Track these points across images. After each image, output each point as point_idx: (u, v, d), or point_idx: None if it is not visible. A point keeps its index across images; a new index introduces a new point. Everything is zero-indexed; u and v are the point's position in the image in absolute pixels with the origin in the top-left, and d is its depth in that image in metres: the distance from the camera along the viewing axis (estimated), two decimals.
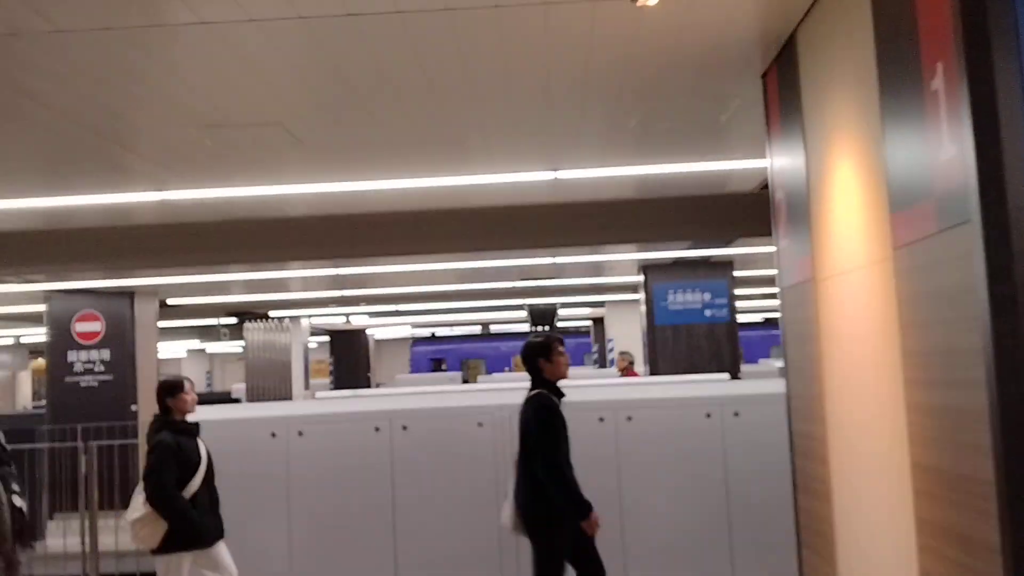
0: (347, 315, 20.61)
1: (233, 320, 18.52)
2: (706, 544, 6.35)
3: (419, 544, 6.47)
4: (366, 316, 21.13)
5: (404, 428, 6.55)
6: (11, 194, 6.73)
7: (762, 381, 7.16)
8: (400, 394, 8.42)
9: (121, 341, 12.43)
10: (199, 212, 7.80)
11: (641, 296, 13.00)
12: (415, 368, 29.65)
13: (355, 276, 13.23)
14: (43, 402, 27.62)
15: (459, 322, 25.75)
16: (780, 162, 4.67)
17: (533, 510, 5.02)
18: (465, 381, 25.71)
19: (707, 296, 12.08)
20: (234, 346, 27.81)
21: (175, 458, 5.35)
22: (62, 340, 12.43)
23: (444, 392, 7.86)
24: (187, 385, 5.57)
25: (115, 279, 11.62)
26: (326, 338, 25.01)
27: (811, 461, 4.26)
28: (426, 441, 6.53)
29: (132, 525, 5.35)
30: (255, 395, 18.88)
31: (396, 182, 6.67)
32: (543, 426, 4.99)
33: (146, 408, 12.72)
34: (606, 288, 17.56)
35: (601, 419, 6.45)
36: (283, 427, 6.65)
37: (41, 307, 15.08)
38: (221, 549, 5.52)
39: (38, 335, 21.50)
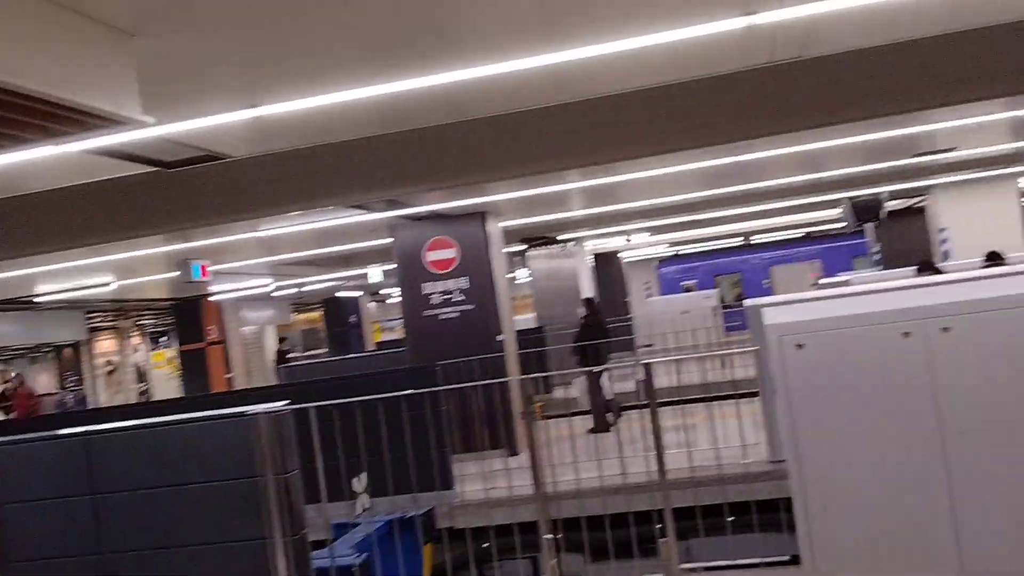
0: (627, 234, 19.13)
1: (523, 247, 17.38)
2: None
3: None
4: (646, 234, 19.63)
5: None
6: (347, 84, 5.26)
7: None
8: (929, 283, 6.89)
9: (478, 267, 11.31)
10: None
11: None
12: (665, 291, 28.16)
13: (612, 185, 11.24)
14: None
15: (719, 234, 23.89)
16: None
17: None
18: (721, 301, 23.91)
19: None
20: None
21: None
22: (414, 272, 11.43)
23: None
24: None
25: (461, 199, 10.43)
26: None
27: None
28: None
29: None
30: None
31: None
32: None
33: (512, 337, 11.65)
34: (946, 167, 15.18)
35: None
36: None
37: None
38: None
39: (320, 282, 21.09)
